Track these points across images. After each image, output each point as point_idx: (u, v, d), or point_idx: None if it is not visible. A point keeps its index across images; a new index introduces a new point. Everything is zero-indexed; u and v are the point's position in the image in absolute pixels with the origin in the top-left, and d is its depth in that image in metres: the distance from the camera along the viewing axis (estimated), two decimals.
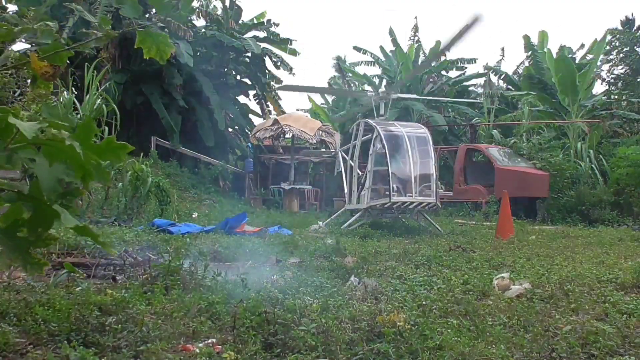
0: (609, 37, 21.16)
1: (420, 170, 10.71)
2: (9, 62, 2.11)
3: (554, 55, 21.59)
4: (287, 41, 21.99)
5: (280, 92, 23.73)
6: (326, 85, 31.93)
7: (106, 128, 9.92)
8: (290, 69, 21.75)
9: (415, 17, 28.69)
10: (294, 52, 21.97)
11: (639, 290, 4.63)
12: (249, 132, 21.59)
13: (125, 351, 2.66)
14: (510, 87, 26.12)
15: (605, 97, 21.68)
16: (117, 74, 17.15)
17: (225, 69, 21.75)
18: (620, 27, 22.43)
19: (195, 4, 21.02)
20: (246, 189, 20.37)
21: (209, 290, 3.96)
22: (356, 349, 2.81)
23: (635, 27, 22.47)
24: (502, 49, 29.94)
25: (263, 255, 6.02)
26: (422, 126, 12.96)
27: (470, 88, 27.96)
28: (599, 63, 22.69)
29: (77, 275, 4.19)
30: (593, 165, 17.91)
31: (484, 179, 16.65)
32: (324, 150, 19.83)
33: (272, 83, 23.01)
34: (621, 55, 21.21)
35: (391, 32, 25.11)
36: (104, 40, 2.16)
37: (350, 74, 28.13)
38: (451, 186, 18.35)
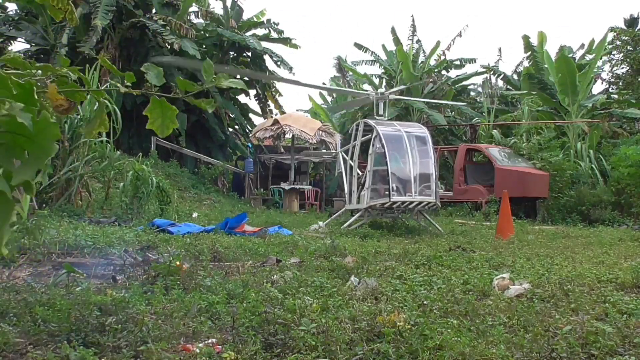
0: (610, 36, 21.15)
1: (420, 170, 10.71)
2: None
3: (554, 55, 21.62)
4: (287, 40, 22.02)
5: (280, 91, 23.74)
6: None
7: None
8: (290, 69, 21.76)
9: (412, 16, 28.55)
10: (295, 46, 21.99)
11: (639, 290, 4.63)
12: (249, 132, 21.60)
13: (125, 351, 2.66)
14: (510, 87, 26.14)
15: (605, 96, 21.69)
16: (117, 78, 17.13)
17: (226, 68, 21.74)
18: (623, 27, 22.43)
19: (193, 8, 21.04)
20: (246, 189, 20.38)
21: (209, 290, 3.96)
22: (356, 349, 2.80)
23: (638, 27, 22.48)
24: (500, 49, 29.94)
25: (263, 255, 6.03)
26: (422, 126, 12.98)
27: (469, 87, 28.01)
28: (599, 63, 22.70)
29: (77, 275, 4.19)
30: (593, 165, 17.92)
31: (484, 179, 16.66)
32: (324, 150, 19.84)
33: (272, 82, 23.01)
34: (622, 54, 21.21)
35: (393, 32, 25.13)
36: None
37: (351, 73, 28.15)
38: (451, 186, 18.36)
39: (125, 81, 2.17)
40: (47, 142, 1.63)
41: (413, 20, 26.49)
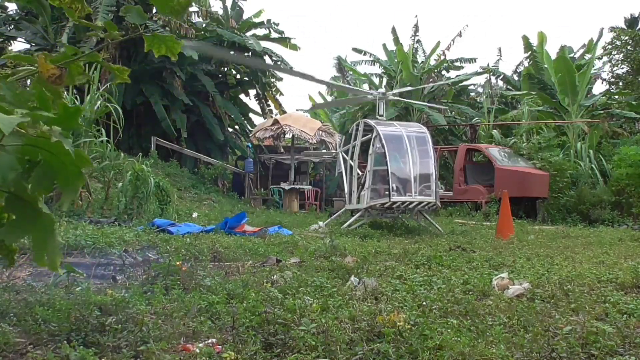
0: (609, 36, 21.22)
1: (420, 170, 10.72)
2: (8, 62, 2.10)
3: (555, 56, 21.64)
4: (287, 40, 22.02)
5: (281, 90, 23.75)
6: (325, 87, 31.93)
7: (103, 130, 9.92)
8: (290, 68, 21.75)
9: (416, 17, 28.49)
10: (294, 47, 21.98)
11: (639, 290, 4.63)
12: (249, 132, 21.60)
13: (125, 351, 2.66)
14: (510, 87, 26.12)
15: (605, 97, 21.72)
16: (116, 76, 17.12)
17: (226, 69, 21.76)
18: (623, 26, 22.46)
19: (194, 8, 21.02)
20: (246, 189, 20.37)
21: (209, 290, 3.96)
22: (356, 349, 2.80)
23: (638, 27, 22.51)
24: (499, 49, 29.94)
25: (263, 255, 6.03)
26: (422, 126, 12.97)
27: (469, 87, 27.98)
28: (599, 63, 22.75)
29: (77, 275, 4.18)
30: (593, 165, 17.93)
31: (484, 179, 16.66)
32: (324, 150, 19.83)
33: (272, 80, 23.01)
34: (622, 54, 21.21)
35: (394, 31, 25.14)
36: (110, 37, 2.15)
37: (351, 73, 28.13)
38: (451, 186, 18.36)
39: (108, 31, 2.15)
40: (73, 166, 1.66)
41: (417, 21, 26.32)
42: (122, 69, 2.26)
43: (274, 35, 22.32)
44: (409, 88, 20.36)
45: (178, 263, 4.54)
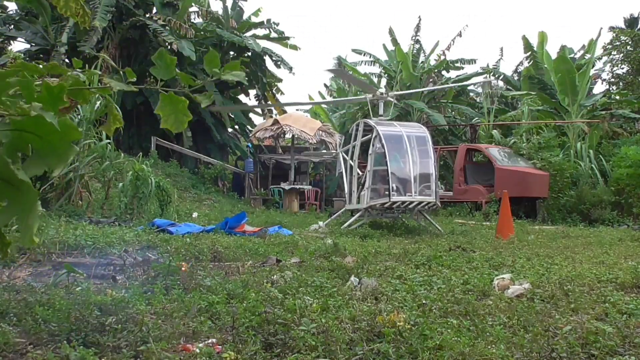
0: (608, 35, 21.30)
1: (420, 169, 10.72)
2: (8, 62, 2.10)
3: (555, 56, 21.66)
4: (287, 39, 22.03)
5: (282, 90, 23.80)
6: (324, 88, 31.93)
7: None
8: (290, 68, 21.78)
9: (419, 17, 28.35)
10: (294, 47, 21.99)
11: (639, 290, 4.63)
12: (249, 132, 21.62)
13: (125, 351, 2.66)
14: (510, 88, 26.12)
15: (606, 97, 21.72)
16: (117, 74, 17.14)
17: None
18: (623, 26, 22.49)
19: (194, 8, 21.03)
20: (246, 189, 20.37)
21: (209, 290, 3.96)
22: (356, 349, 2.80)
23: (638, 27, 22.53)
24: (501, 49, 29.90)
25: (263, 255, 6.02)
26: (422, 126, 12.98)
27: (469, 87, 27.94)
28: (601, 64, 22.76)
29: (77, 275, 4.18)
30: (593, 165, 17.94)
31: (484, 179, 16.67)
32: (324, 150, 19.84)
33: (272, 81, 23.03)
34: (622, 54, 21.22)
35: (391, 32, 25.15)
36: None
37: (351, 72, 28.13)
38: (451, 186, 18.37)
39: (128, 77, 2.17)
40: (62, 143, 1.65)
41: (419, 21, 26.07)
42: (117, 117, 2.30)
43: (273, 35, 22.32)
44: (415, 90, 20.40)
45: (180, 263, 4.53)
